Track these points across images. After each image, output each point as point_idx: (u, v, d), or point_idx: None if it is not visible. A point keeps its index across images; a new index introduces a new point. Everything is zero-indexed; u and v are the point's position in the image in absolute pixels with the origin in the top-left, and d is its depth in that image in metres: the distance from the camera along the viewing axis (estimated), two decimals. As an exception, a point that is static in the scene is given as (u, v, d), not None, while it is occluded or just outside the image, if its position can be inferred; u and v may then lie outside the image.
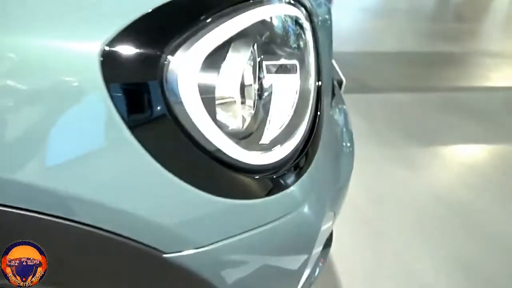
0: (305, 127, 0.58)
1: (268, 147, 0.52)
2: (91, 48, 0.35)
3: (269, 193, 0.52)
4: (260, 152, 0.50)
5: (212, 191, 0.45)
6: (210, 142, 0.43)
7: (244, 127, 0.50)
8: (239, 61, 0.46)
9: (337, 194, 0.70)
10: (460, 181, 1.81)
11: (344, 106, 0.95)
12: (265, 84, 0.59)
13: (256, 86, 0.55)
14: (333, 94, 0.80)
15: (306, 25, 0.59)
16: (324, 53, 0.71)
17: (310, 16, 0.62)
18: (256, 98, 0.55)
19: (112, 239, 0.42)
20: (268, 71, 0.60)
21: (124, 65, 0.37)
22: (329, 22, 0.76)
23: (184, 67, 0.40)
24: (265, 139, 0.52)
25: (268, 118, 0.56)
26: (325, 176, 0.65)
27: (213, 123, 0.43)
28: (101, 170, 0.38)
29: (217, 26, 0.43)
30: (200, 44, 0.41)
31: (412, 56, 2.97)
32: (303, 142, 0.57)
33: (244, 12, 0.45)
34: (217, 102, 0.44)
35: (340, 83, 1.07)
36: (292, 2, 0.57)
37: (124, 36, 0.37)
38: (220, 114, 0.45)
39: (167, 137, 0.40)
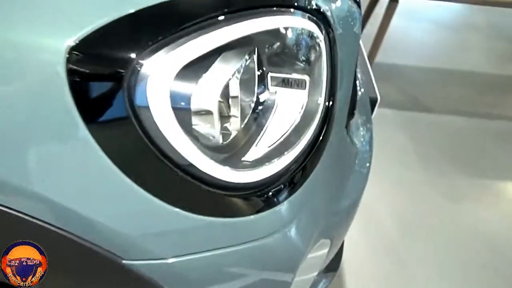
0: (302, 148, 0.54)
1: (251, 165, 0.49)
2: (59, 44, 0.35)
3: (246, 213, 0.50)
4: (241, 169, 0.48)
5: (179, 205, 0.44)
6: (179, 154, 0.41)
7: (227, 141, 0.47)
8: (224, 72, 0.44)
9: (336, 221, 0.66)
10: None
11: (371, 126, 0.89)
12: (267, 98, 0.56)
13: (251, 98, 0.53)
14: (352, 114, 0.74)
15: (321, 39, 0.55)
16: (345, 69, 0.66)
17: (328, 29, 0.57)
18: (249, 111, 0.52)
19: (70, 240, 0.41)
20: (274, 84, 0.57)
21: (91, 63, 0.36)
22: (356, 32, 0.71)
23: (157, 72, 0.38)
24: (250, 156, 0.49)
25: (262, 134, 0.53)
26: (320, 201, 0.61)
27: (184, 134, 0.41)
28: (58, 169, 0.38)
29: (202, 35, 0.41)
30: (179, 52, 0.39)
31: (481, 78, 2.73)
32: (296, 164, 0.54)
33: (236, 22, 0.43)
34: (193, 113, 0.42)
35: (374, 101, 1.00)
36: (304, 13, 0.53)
37: (97, 36, 0.36)
38: (197, 126, 0.43)
39: (130, 143, 0.39)
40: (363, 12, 2.56)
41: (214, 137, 0.44)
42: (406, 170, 1.86)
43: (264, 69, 0.56)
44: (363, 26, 2.60)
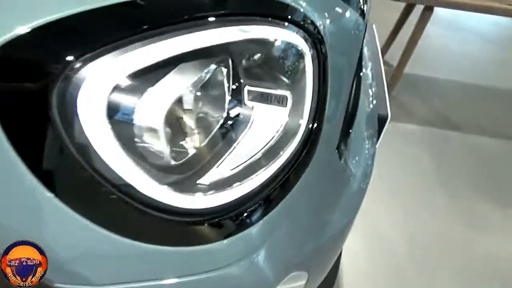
0: (273, 172, 0.49)
1: (207, 189, 0.44)
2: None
3: (200, 241, 0.45)
4: (194, 193, 0.43)
5: (115, 229, 0.40)
6: (114, 172, 0.37)
7: (181, 161, 0.43)
8: (177, 85, 0.39)
9: (315, 251, 0.60)
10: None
11: (376, 141, 0.82)
12: (242, 113, 0.51)
13: (220, 114, 0.48)
14: (347, 134, 0.67)
15: (308, 54, 0.49)
16: (338, 89, 0.60)
17: (318, 45, 0.51)
18: (215, 128, 0.47)
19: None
20: (251, 99, 0.52)
21: (15, 66, 0.33)
22: (356, 48, 0.64)
23: (93, 81, 0.34)
24: (207, 178, 0.44)
25: (228, 154, 0.48)
26: (296, 229, 0.55)
27: (122, 151, 0.36)
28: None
29: (152, 43, 0.36)
30: (120, 61, 0.35)
31: (522, 98, 2.54)
32: (265, 189, 0.48)
33: (195, 31, 0.38)
34: (138, 128, 0.38)
35: (384, 119, 0.92)
36: (289, 25, 0.47)
37: (26, 38, 0.32)
38: (143, 143, 0.39)
39: (56, 156, 0.35)
40: (396, 19, 2.45)
41: (162, 155, 0.40)
42: (424, 190, 1.75)
43: (242, 81, 0.51)
44: (395, 34, 2.48)
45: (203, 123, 0.47)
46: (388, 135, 2.05)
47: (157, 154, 0.40)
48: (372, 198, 1.70)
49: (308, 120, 0.53)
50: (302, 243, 0.57)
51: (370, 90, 1.01)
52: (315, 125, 0.54)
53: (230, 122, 0.50)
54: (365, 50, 1.11)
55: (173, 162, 0.41)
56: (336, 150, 0.63)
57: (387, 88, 2.24)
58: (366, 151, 0.82)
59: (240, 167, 0.47)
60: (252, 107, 0.52)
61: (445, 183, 1.80)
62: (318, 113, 0.54)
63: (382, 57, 2.60)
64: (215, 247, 0.46)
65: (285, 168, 0.50)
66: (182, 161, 0.43)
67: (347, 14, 0.60)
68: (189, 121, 0.44)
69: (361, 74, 0.83)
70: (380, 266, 1.42)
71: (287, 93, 0.52)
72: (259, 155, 0.49)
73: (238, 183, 0.45)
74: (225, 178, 0.45)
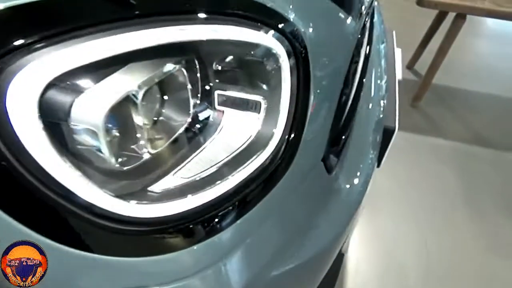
0: (239, 182, 0.45)
1: (157, 198, 0.41)
2: None
3: (147, 252, 0.42)
4: (143, 201, 0.40)
5: (60, 240, 0.38)
6: (49, 176, 0.35)
7: (131, 166, 0.40)
8: (122, 85, 0.36)
9: (289, 272, 0.55)
10: None
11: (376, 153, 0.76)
12: (211, 119, 0.48)
13: (184, 118, 0.45)
14: (336, 145, 0.63)
15: (285, 60, 0.46)
16: (327, 96, 0.56)
17: (299, 50, 0.47)
18: (176, 133, 0.44)
19: None
20: (222, 103, 0.49)
21: None
22: (347, 53, 0.59)
23: (25, 76, 0.32)
24: (159, 186, 0.42)
25: (188, 161, 0.45)
26: (264, 246, 0.51)
27: (55, 154, 0.34)
28: None
29: (96, 38, 0.34)
30: (59, 56, 0.33)
31: None
32: (226, 200, 0.45)
33: (146, 28, 0.35)
34: (75, 130, 0.36)
35: (390, 131, 0.86)
36: (263, 27, 0.44)
37: None
38: (82, 147, 0.37)
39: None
40: (428, 26, 2.34)
41: (105, 159, 0.38)
42: (446, 210, 1.64)
43: (211, 85, 0.48)
44: (426, 42, 2.37)
45: (164, 127, 0.44)
46: (412, 148, 1.96)
47: (100, 158, 0.37)
48: (389, 214, 1.62)
49: (284, 129, 0.49)
50: (272, 261, 0.53)
51: (382, 102, 0.95)
52: (292, 135, 0.50)
53: (197, 127, 0.48)
54: (382, 62, 1.06)
55: (120, 167, 0.39)
56: (322, 162, 0.59)
57: (413, 99, 2.15)
58: (370, 160, 0.77)
59: (201, 175, 0.44)
60: (223, 112, 0.49)
61: (470, 204, 1.68)
62: (296, 122, 0.50)
63: (412, 67, 2.50)
64: (167, 258, 0.43)
65: (255, 178, 0.47)
66: (132, 166, 0.40)
67: (336, 17, 0.56)
68: (145, 124, 0.41)
69: (363, 81, 0.78)
70: (386, 281, 1.34)
71: (260, 99, 0.48)
72: (224, 163, 0.45)
73: (196, 192, 0.42)
74: (181, 186, 0.42)
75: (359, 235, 1.50)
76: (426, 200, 1.68)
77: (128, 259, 0.41)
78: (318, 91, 0.53)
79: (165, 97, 0.45)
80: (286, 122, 0.49)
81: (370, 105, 0.87)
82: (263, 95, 0.48)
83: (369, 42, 0.88)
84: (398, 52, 2.76)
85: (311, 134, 0.53)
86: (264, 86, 0.48)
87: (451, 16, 1.93)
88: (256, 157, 0.47)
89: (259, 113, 0.48)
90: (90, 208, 0.37)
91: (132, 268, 0.42)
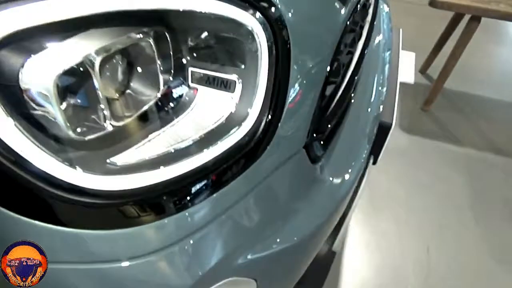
0: (208, 161, 0.44)
1: (117, 170, 0.40)
2: None
3: (106, 226, 0.41)
4: (100, 173, 0.39)
5: (7, 206, 0.37)
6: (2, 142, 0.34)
7: (92, 136, 0.39)
8: (78, 50, 0.35)
9: (266, 257, 0.53)
10: None
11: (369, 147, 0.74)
12: (184, 96, 0.47)
13: (153, 93, 0.44)
14: (319, 133, 0.60)
15: (262, 37, 0.44)
16: (310, 78, 0.54)
17: (278, 28, 0.46)
18: (144, 107, 0.43)
19: None
20: (196, 81, 0.48)
21: None
22: (335, 33, 0.57)
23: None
24: (120, 159, 0.40)
25: (154, 136, 0.44)
26: (234, 229, 0.49)
27: (5, 116, 0.34)
28: None
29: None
30: (10, 15, 0.32)
31: None
32: (196, 177, 0.43)
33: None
34: (26, 93, 0.35)
35: (387, 127, 0.83)
36: (240, 2, 0.42)
37: None
38: (34, 112, 0.36)
39: None
40: (443, 29, 2.29)
41: (59, 127, 0.36)
42: (453, 218, 1.59)
43: (186, 61, 0.47)
44: (440, 46, 2.32)
45: (131, 101, 0.43)
46: (420, 152, 1.91)
47: (56, 125, 0.36)
48: (392, 218, 1.58)
49: (260, 110, 0.47)
50: (247, 243, 0.51)
51: (380, 98, 0.92)
52: (269, 116, 0.48)
53: (168, 103, 0.46)
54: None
55: (79, 137, 0.38)
56: (304, 149, 0.57)
57: (424, 103, 2.10)
58: (361, 159, 0.75)
59: (167, 150, 0.42)
60: (197, 90, 0.47)
61: (478, 212, 1.62)
62: (274, 103, 0.49)
63: (425, 71, 2.45)
64: (131, 233, 0.42)
65: (227, 157, 0.45)
66: (93, 137, 0.39)
67: (324, 2, 0.54)
68: (108, 95, 0.40)
69: (358, 73, 0.76)
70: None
71: (235, 78, 0.47)
72: (193, 140, 0.44)
73: (159, 166, 0.41)
74: (144, 161, 0.41)
75: (359, 236, 1.47)
76: (431, 205, 1.63)
77: (92, 231, 0.40)
78: (299, 76, 0.52)
79: (136, 71, 0.44)
80: (263, 103, 0.47)
81: (367, 103, 0.85)
82: (239, 75, 0.47)
83: (369, 35, 0.86)
84: (411, 56, 2.71)
85: (291, 117, 0.52)
86: (239, 65, 0.47)
87: (466, 20, 1.88)
88: (229, 137, 0.45)
89: (233, 92, 0.47)
90: (43, 176, 0.36)
91: (96, 241, 0.41)
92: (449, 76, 1.98)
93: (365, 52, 0.82)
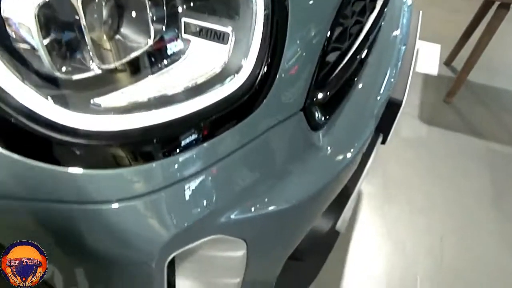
0: (198, 109, 0.43)
1: (102, 111, 0.40)
2: None
3: (90, 165, 0.41)
4: (83, 112, 0.39)
5: None
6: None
7: (73, 76, 0.39)
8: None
9: (255, 218, 0.52)
10: None
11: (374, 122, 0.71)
12: (176, 46, 0.47)
13: (144, 40, 0.43)
14: (315, 96, 0.58)
15: None
16: (310, 32, 0.52)
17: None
18: (134, 53, 0.43)
19: None
20: (190, 32, 0.47)
21: None
22: None
23: None
24: (104, 100, 0.40)
25: (142, 81, 0.43)
26: (222, 186, 0.48)
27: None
28: None
29: None
30: None
31: None
32: (184, 124, 0.43)
33: None
34: (12, 25, 0.35)
35: (397, 104, 0.80)
36: None
37: None
38: (21, 44, 0.36)
39: None
40: (471, 18, 2.19)
41: (43, 63, 0.36)
42: (472, 211, 1.53)
43: (179, 11, 0.46)
44: (468, 35, 2.23)
45: (120, 46, 0.43)
46: (440, 143, 1.85)
47: (39, 60, 0.36)
48: (407, 207, 1.53)
49: (255, 63, 0.46)
50: (237, 200, 0.50)
51: (392, 78, 0.89)
52: (265, 70, 0.47)
53: (160, 53, 0.46)
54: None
55: (64, 76, 0.38)
56: (302, 112, 0.55)
57: (447, 95, 2.03)
58: (366, 133, 0.72)
59: (153, 96, 0.42)
60: (189, 41, 0.47)
61: (498, 206, 1.56)
62: (270, 58, 0.47)
63: (450, 63, 2.36)
64: (116, 174, 0.41)
65: (218, 108, 0.44)
66: (78, 77, 0.39)
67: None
68: (96, 37, 0.40)
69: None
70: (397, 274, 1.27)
71: (230, 30, 0.46)
72: (183, 88, 0.43)
73: (146, 111, 0.41)
74: (128, 104, 0.41)
75: (372, 223, 1.44)
76: (448, 195, 1.58)
77: (81, 170, 0.40)
78: (297, 33, 0.50)
79: (126, 17, 0.43)
80: (258, 56, 0.46)
81: (378, 86, 0.81)
82: (233, 27, 0.46)
83: (382, 9, 0.82)
84: (436, 48, 2.61)
85: (287, 76, 0.50)
86: (236, 17, 0.46)
87: (494, 10, 1.80)
88: (221, 87, 0.45)
89: (226, 44, 0.46)
90: (23, 110, 0.36)
91: (85, 181, 0.41)
92: (473, 67, 1.91)
93: (379, 26, 0.79)
